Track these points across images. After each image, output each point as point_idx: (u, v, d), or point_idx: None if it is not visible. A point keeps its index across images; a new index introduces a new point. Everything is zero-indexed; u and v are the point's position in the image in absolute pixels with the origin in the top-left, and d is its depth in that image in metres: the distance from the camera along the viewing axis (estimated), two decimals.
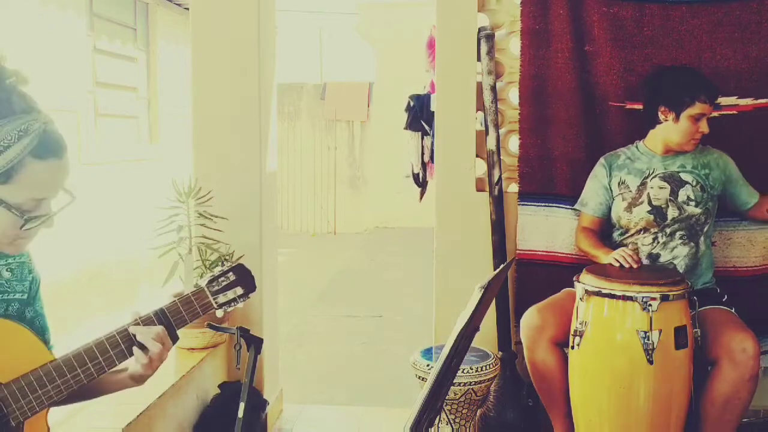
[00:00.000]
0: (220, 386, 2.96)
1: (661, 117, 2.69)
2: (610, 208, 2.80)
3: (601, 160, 2.84)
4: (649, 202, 2.70)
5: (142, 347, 1.46)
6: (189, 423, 2.71)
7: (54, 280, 5.50)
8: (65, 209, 1.41)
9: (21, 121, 1.31)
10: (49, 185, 1.37)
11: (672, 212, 2.68)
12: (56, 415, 2.10)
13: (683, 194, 2.68)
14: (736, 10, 2.90)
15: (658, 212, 2.69)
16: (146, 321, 1.49)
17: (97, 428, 2.18)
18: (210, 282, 1.56)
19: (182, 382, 2.61)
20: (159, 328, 1.48)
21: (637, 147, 2.80)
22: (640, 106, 2.86)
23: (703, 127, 2.63)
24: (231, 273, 1.58)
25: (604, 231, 2.85)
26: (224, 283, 1.56)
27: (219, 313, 1.57)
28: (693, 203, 2.67)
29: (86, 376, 1.43)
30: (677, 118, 2.64)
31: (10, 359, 1.39)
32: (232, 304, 1.57)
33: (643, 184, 2.72)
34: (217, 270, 1.59)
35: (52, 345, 1.62)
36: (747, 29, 2.90)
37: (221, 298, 1.56)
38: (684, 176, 2.70)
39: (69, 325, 1.66)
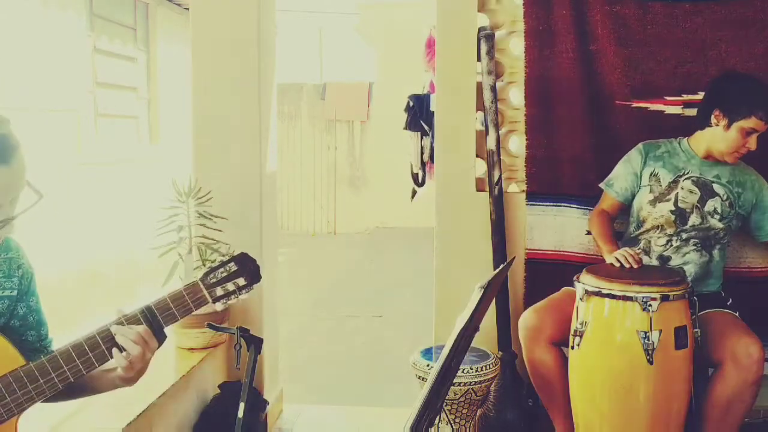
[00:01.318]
0: (220, 386, 2.96)
1: (713, 120, 2.61)
2: (633, 196, 2.76)
3: (639, 145, 2.78)
4: (675, 202, 2.66)
5: (121, 349, 1.40)
6: (189, 423, 2.71)
7: (54, 279, 5.50)
8: (31, 209, 1.34)
9: None
10: None
11: (694, 219, 2.64)
12: (55, 414, 2.10)
13: (711, 205, 2.64)
14: (739, 8, 2.90)
15: (680, 215, 2.65)
16: (130, 320, 1.43)
17: (97, 428, 2.18)
18: (206, 274, 1.49)
19: (182, 382, 2.61)
20: (141, 328, 1.41)
21: (679, 143, 2.75)
22: (647, 104, 2.85)
23: (752, 143, 2.55)
24: (232, 263, 1.50)
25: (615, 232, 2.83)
26: (223, 275, 1.49)
27: (218, 306, 1.51)
28: (718, 217, 2.63)
29: (61, 380, 1.37)
30: (728, 126, 2.56)
31: None
32: (233, 296, 1.50)
33: (675, 182, 2.68)
34: (217, 261, 1.53)
35: (50, 339, 1.59)
36: (752, 27, 2.90)
37: (219, 291, 1.49)
38: (716, 188, 2.65)
39: (69, 324, 1.65)
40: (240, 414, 2.27)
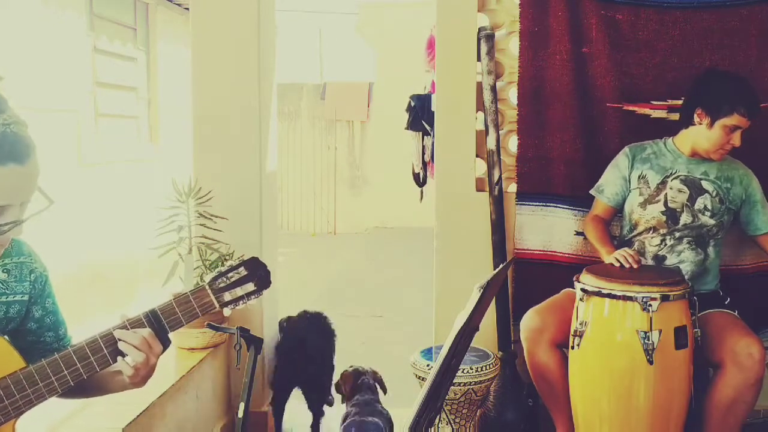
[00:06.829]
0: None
1: (696, 119, 2.61)
2: (624, 200, 2.77)
3: (626, 149, 2.79)
4: (665, 203, 2.67)
5: (124, 355, 1.39)
6: (189, 423, 2.71)
7: (53, 279, 5.49)
8: (41, 214, 1.34)
9: None
10: (10, 192, 1.28)
11: (685, 218, 2.64)
12: (55, 414, 2.10)
13: (701, 202, 2.64)
14: (726, 16, 2.92)
15: (671, 215, 2.66)
16: (134, 323, 1.40)
17: (97, 428, 2.18)
18: (215, 279, 1.46)
19: (182, 382, 2.61)
20: (145, 332, 1.39)
21: (665, 143, 2.76)
22: (636, 108, 2.86)
23: (735, 139, 2.56)
24: (242, 268, 1.48)
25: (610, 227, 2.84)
26: (233, 279, 1.47)
27: (226, 312, 1.48)
28: (708, 213, 2.63)
29: (60, 384, 1.36)
30: (711, 124, 2.57)
31: None
32: (241, 302, 1.48)
33: (663, 183, 2.68)
34: (227, 265, 1.49)
35: (69, 338, 1.61)
36: (735, 37, 2.93)
37: (227, 296, 1.46)
38: (705, 184, 2.66)
39: (69, 324, 1.67)
40: (240, 414, 2.26)
